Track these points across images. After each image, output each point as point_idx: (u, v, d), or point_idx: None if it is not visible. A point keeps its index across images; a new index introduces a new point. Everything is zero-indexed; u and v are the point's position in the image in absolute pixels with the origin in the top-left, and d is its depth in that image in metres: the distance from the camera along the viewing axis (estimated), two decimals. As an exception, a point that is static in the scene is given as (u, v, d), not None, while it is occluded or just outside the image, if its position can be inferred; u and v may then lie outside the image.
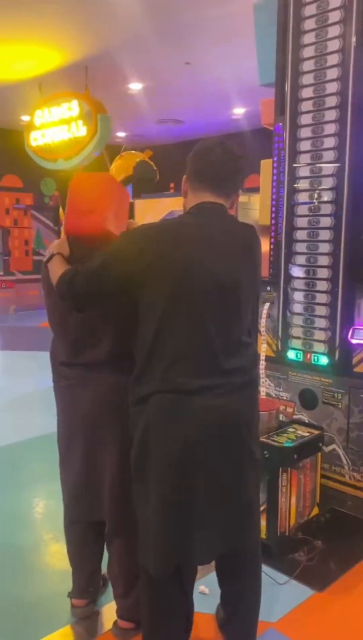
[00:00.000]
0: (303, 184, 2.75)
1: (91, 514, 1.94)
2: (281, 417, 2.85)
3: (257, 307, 1.86)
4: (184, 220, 1.68)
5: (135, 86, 7.27)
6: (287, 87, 2.75)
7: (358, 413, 2.67)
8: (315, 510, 2.57)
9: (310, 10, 2.62)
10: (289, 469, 2.37)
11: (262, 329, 2.98)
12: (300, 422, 2.69)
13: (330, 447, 2.76)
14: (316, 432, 2.54)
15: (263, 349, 2.96)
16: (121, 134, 10.86)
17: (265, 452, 2.36)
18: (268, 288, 2.99)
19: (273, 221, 2.98)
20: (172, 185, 11.67)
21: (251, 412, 1.71)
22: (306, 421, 2.82)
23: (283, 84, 2.80)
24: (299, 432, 2.52)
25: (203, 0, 4.64)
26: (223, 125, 9.11)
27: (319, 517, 2.60)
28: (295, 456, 2.38)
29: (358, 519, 2.62)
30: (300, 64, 2.69)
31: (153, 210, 4.35)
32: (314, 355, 2.80)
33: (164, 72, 6.62)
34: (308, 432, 2.53)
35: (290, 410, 2.96)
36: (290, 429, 2.54)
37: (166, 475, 1.56)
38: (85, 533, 2.01)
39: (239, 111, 8.52)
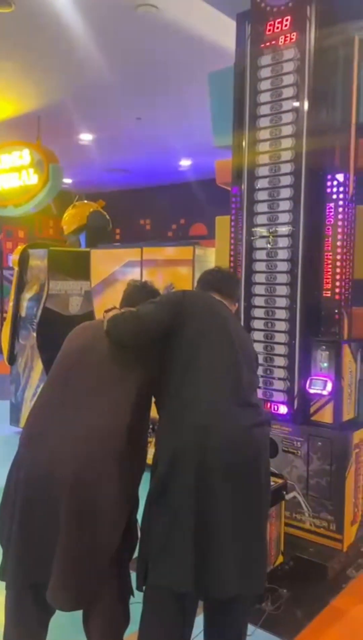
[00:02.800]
0: (260, 243, 2.92)
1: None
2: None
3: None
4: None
5: (86, 137, 7.46)
6: (244, 154, 2.95)
7: (316, 460, 2.78)
8: (280, 559, 2.62)
9: (265, 84, 2.84)
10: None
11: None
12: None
13: (291, 495, 2.85)
14: (279, 480, 2.62)
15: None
16: (67, 180, 10.98)
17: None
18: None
19: (232, 268, 3.12)
20: (117, 231, 11.90)
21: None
22: (268, 469, 2.90)
23: (240, 151, 2.99)
24: (263, 481, 2.59)
25: (156, 61, 4.89)
26: (170, 175, 9.44)
27: (284, 565, 2.65)
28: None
29: (321, 565, 2.70)
30: (256, 134, 2.89)
31: (110, 260, 4.43)
32: (274, 405, 2.91)
33: (115, 125, 6.85)
34: (272, 481, 2.61)
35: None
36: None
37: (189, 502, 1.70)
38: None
39: (186, 163, 8.87)
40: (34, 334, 5.14)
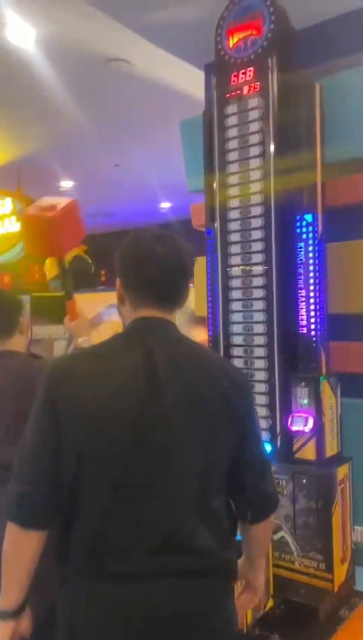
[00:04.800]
0: (236, 283, 2.97)
1: None
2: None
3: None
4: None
5: (66, 184, 7.61)
6: (216, 198, 3.03)
7: (302, 498, 2.76)
8: (270, 603, 2.57)
9: (232, 132, 2.95)
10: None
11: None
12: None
13: (279, 535, 2.81)
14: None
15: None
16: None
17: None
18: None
19: (209, 315, 3.16)
20: (103, 272, 11.99)
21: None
22: (254, 509, 2.87)
23: (211, 195, 3.08)
24: (249, 522, 2.56)
25: (131, 110, 5.07)
26: (152, 216, 9.61)
27: (274, 610, 2.60)
28: (247, 549, 2.41)
29: (312, 607, 2.64)
30: (226, 179, 2.98)
31: (92, 305, 4.47)
32: (257, 443, 2.90)
33: (95, 172, 7.01)
34: (258, 522, 2.58)
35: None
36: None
37: None
38: None
39: (166, 205, 9.05)
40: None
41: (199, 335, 3.22)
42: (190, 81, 4.02)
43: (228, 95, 2.96)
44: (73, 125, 5.49)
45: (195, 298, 3.59)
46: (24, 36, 3.66)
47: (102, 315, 4.43)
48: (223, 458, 1.32)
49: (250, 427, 1.40)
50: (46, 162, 6.56)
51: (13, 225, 6.60)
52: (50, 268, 5.88)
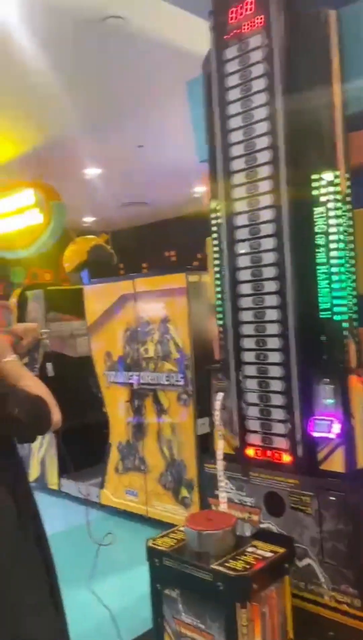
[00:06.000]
0: (243, 261, 2.49)
1: None
2: (246, 527, 2.44)
3: None
4: None
5: (92, 171, 7.27)
6: (217, 163, 2.56)
7: (330, 519, 2.26)
8: (291, 647, 2.10)
9: (232, 80, 2.46)
10: (248, 602, 1.94)
11: (217, 422, 2.63)
12: (264, 536, 2.27)
13: (304, 562, 2.33)
14: (280, 550, 2.12)
15: (220, 446, 2.59)
16: (88, 219, 10.90)
17: (218, 583, 1.95)
18: (220, 375, 2.68)
19: (219, 302, 2.71)
20: (144, 265, 11.68)
21: None
22: (275, 531, 2.41)
23: (214, 158, 2.61)
24: (260, 551, 2.10)
25: (150, 82, 4.63)
26: (188, 206, 9.13)
27: (296, 656, 2.13)
28: (255, 586, 1.95)
29: (344, 655, 2.16)
30: (228, 136, 2.50)
31: (103, 296, 4.09)
32: (275, 452, 2.43)
33: (118, 156, 6.62)
34: (272, 550, 2.11)
35: (255, 518, 2.55)
36: (249, 549, 2.12)
37: None
38: None
39: (200, 189, 8.55)
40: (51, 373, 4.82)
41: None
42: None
43: (226, 37, 2.48)
44: (90, 108, 5.13)
45: (209, 286, 3.16)
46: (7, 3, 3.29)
47: (110, 311, 4.03)
48: None
49: None
50: (65, 149, 6.22)
51: (36, 217, 6.33)
52: (70, 259, 5.59)
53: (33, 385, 1.54)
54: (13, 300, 4.94)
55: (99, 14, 3.48)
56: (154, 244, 11.43)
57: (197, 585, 2.04)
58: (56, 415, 1.51)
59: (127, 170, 7.29)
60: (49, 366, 4.06)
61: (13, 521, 1.52)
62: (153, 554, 2.20)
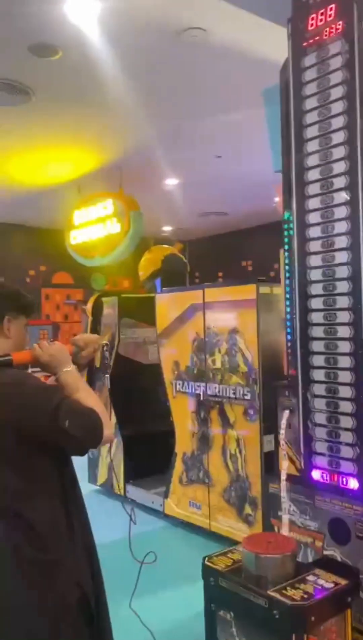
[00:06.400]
0: (315, 274, 2.40)
1: None
2: (309, 552, 2.33)
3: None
4: None
5: (171, 182, 7.35)
6: (292, 173, 2.49)
7: None
8: None
9: (310, 88, 2.39)
10: (305, 635, 1.83)
11: (282, 440, 2.54)
12: (327, 564, 2.15)
13: (369, 596, 2.19)
14: (343, 581, 1.99)
15: (284, 467, 2.49)
16: (167, 228, 11.04)
17: (275, 611, 1.86)
18: (287, 393, 2.58)
19: (288, 316, 2.62)
20: (220, 274, 11.66)
21: None
22: (339, 560, 2.27)
23: (289, 167, 2.53)
24: (321, 581, 1.99)
25: (228, 92, 4.62)
26: (267, 216, 9.02)
27: None
28: (313, 618, 1.85)
29: None
30: (304, 145, 2.43)
31: (173, 305, 4.10)
32: (342, 477, 2.30)
33: (197, 166, 6.65)
34: (334, 581, 1.99)
35: (319, 544, 2.43)
36: (310, 577, 2.01)
37: None
38: None
39: (278, 199, 8.43)
40: (108, 385, 4.91)
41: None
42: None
43: (305, 44, 2.40)
44: (170, 120, 5.19)
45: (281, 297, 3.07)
46: (90, 17, 3.39)
47: (179, 320, 4.03)
48: None
49: None
50: (146, 160, 6.33)
51: (114, 226, 6.48)
52: (144, 267, 5.66)
53: (88, 397, 1.53)
54: (89, 306, 5.07)
55: (180, 26, 3.50)
56: (231, 253, 11.38)
57: (252, 611, 1.96)
58: (108, 430, 1.49)
59: (206, 180, 7.31)
60: (107, 378, 4.10)
61: (62, 532, 1.52)
62: (208, 573, 2.14)
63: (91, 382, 5.10)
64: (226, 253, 11.53)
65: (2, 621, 1.45)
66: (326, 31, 2.32)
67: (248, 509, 3.57)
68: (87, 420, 1.45)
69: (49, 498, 1.51)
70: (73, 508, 1.57)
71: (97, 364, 5.09)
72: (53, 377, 1.66)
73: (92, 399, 1.54)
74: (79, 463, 1.67)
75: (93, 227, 6.89)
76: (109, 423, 1.52)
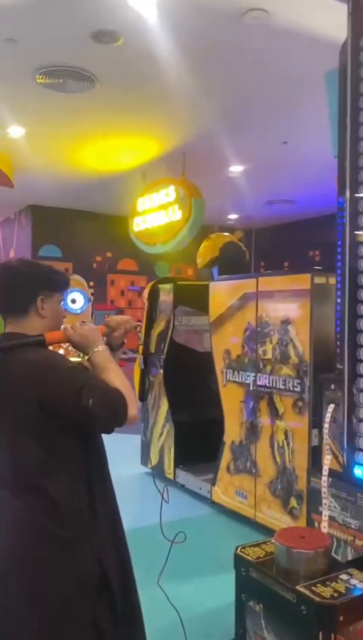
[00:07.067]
0: (366, 264, 2.30)
1: None
2: (348, 551, 2.27)
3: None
4: None
5: (236, 169, 7.26)
6: (347, 158, 2.38)
7: None
8: None
9: (368, 71, 2.28)
10: (333, 634, 1.78)
11: (326, 434, 2.47)
12: (363, 564, 2.08)
13: None
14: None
15: (326, 462, 2.43)
16: (232, 216, 10.94)
17: (302, 607, 1.82)
18: (333, 386, 2.51)
19: (338, 307, 2.53)
20: (286, 264, 11.43)
21: None
22: (379, 561, 2.19)
23: (344, 155, 2.43)
24: (354, 581, 1.92)
25: (291, 75, 4.49)
26: (333, 202, 8.74)
27: None
28: (342, 618, 1.79)
29: None
30: (359, 130, 2.32)
31: (227, 293, 4.07)
32: (386, 476, 2.21)
33: (262, 153, 6.52)
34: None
35: (359, 543, 2.36)
36: (343, 576, 1.95)
37: None
38: None
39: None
40: (161, 371, 4.96)
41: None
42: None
43: (365, 22, 2.28)
44: (235, 104, 5.11)
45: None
46: (150, 2, 3.37)
47: (232, 309, 3.99)
48: None
49: None
50: (210, 146, 6.28)
51: (176, 214, 6.49)
52: (202, 255, 5.63)
53: (115, 378, 1.55)
54: (145, 293, 5.12)
55: (241, 7, 3.43)
56: (298, 242, 11.13)
57: (280, 604, 1.93)
58: (133, 410, 1.50)
59: (272, 167, 7.17)
60: (141, 359, 4.12)
61: (83, 509, 1.55)
62: (239, 563, 2.13)
63: (147, 366, 5.18)
64: (292, 242, 11.29)
65: (25, 592, 1.50)
66: (388, 8, 2.20)
67: (293, 502, 3.51)
68: (112, 400, 1.47)
69: (71, 475, 1.55)
70: (97, 487, 1.60)
71: (152, 349, 5.15)
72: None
73: (120, 379, 1.55)
74: (132, 446, 1.69)
75: (155, 214, 6.93)
76: (135, 404, 1.53)
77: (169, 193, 6.63)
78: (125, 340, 1.83)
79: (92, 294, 10.01)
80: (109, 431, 1.51)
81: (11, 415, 1.53)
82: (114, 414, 1.47)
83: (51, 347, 1.73)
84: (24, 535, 1.51)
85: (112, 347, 1.77)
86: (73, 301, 8.80)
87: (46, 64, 4.32)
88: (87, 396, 1.43)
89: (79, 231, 10.54)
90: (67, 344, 1.74)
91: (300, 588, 1.87)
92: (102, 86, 4.72)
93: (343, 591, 1.86)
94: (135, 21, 3.59)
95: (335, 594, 1.84)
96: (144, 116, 5.54)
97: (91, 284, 10.41)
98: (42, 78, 4.57)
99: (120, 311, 11.29)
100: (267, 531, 3.60)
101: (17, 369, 1.54)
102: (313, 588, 1.87)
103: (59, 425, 1.50)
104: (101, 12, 3.50)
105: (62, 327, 1.74)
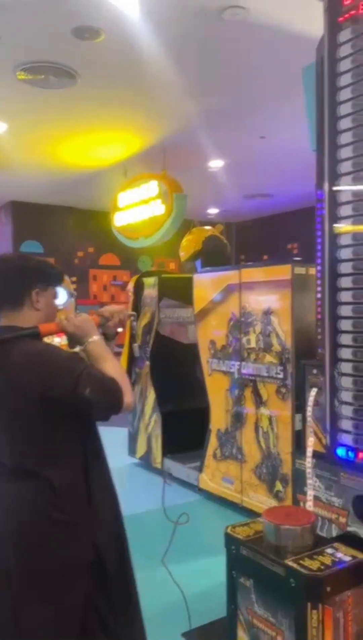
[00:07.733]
0: (345, 253, 2.39)
1: None
2: (333, 528, 2.37)
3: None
4: None
5: (215, 163, 7.34)
6: (325, 150, 2.48)
7: None
8: None
9: (345, 65, 2.36)
10: (320, 604, 1.88)
11: (309, 417, 2.57)
12: (348, 539, 2.18)
13: (390, 573, 2.21)
14: (361, 555, 2.03)
15: (310, 443, 2.53)
16: (212, 211, 11.02)
17: (291, 579, 1.92)
18: (314, 371, 2.61)
19: (319, 295, 2.63)
20: (265, 257, 11.56)
21: None
22: (362, 536, 2.30)
23: (322, 147, 2.52)
24: (339, 554, 2.02)
25: (269, 71, 4.57)
26: (313, 198, 8.87)
27: None
28: (329, 588, 1.89)
29: None
30: (337, 123, 2.41)
31: (211, 285, 4.15)
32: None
33: (241, 148, 6.61)
34: (352, 555, 2.03)
35: (342, 520, 2.46)
36: (328, 550, 2.05)
37: None
38: None
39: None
40: (148, 362, 5.03)
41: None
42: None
43: (340, 19, 2.37)
44: (212, 100, 5.18)
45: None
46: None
47: (215, 301, 4.07)
48: None
49: None
50: (190, 142, 6.34)
51: (159, 208, 6.55)
52: (185, 248, 5.71)
53: (111, 367, 1.61)
54: (130, 286, 5.18)
55: (220, 5, 3.50)
56: (277, 235, 11.28)
57: (270, 579, 2.02)
58: (129, 398, 1.57)
59: (250, 162, 7.26)
60: (135, 347, 4.21)
61: (81, 496, 1.61)
62: (230, 542, 2.22)
63: (133, 358, 5.23)
64: (271, 235, 11.43)
65: (22, 575, 1.56)
66: (362, 5, 2.28)
67: (278, 486, 3.62)
68: (107, 388, 1.53)
69: (70, 463, 1.60)
70: (95, 474, 1.66)
71: (138, 341, 5.20)
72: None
73: (115, 368, 1.61)
74: (120, 437, 1.76)
75: (137, 209, 6.98)
76: (130, 391, 1.60)
77: (150, 188, 6.68)
78: (119, 330, 1.89)
79: (74, 289, 10.01)
80: (105, 418, 1.58)
81: (11, 404, 1.59)
82: (110, 402, 1.53)
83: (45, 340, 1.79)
84: (22, 520, 1.57)
85: (107, 337, 1.82)
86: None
87: (28, 59, 4.34)
88: (84, 385, 1.49)
89: (60, 226, 10.52)
90: (59, 340, 1.80)
91: (288, 562, 1.97)
92: (84, 82, 4.75)
93: (330, 563, 1.96)
94: (116, 18, 3.64)
95: (322, 567, 1.94)
96: (125, 112, 5.59)
97: (74, 279, 10.40)
98: (23, 74, 4.59)
99: (102, 306, 11.31)
100: (254, 515, 3.69)
101: (16, 359, 1.59)
102: (301, 562, 1.97)
103: (58, 414, 1.56)
104: (82, 9, 3.54)
105: (55, 319, 1.79)
